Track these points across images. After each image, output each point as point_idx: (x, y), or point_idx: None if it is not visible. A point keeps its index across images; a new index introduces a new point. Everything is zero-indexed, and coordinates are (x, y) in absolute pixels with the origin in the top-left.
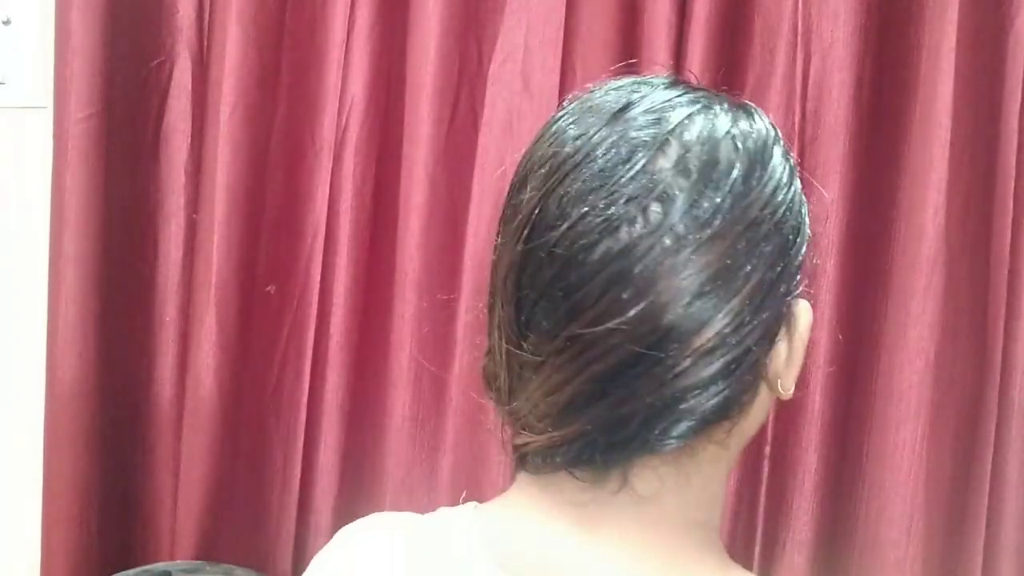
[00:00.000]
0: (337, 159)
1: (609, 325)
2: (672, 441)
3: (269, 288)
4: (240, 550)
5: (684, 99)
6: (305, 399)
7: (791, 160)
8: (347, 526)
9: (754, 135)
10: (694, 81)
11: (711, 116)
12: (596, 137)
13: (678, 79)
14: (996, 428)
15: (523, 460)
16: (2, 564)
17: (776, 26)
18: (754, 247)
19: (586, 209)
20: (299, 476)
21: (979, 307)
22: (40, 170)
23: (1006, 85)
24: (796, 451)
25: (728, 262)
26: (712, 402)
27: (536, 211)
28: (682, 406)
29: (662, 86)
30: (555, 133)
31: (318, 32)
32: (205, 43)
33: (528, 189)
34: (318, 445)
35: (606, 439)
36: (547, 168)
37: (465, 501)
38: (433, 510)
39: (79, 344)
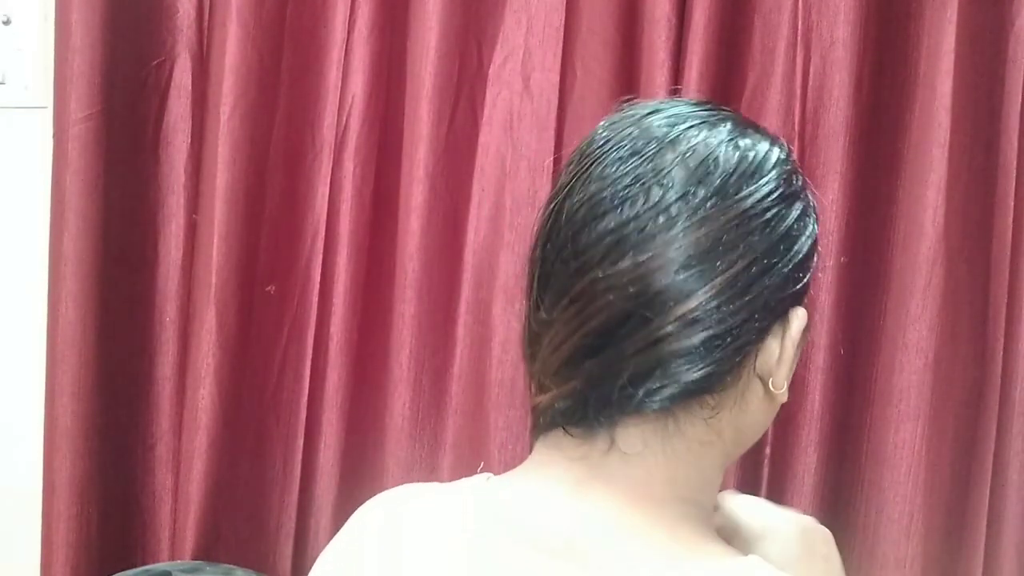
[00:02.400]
0: (337, 159)
1: (604, 284)
2: (655, 403)
3: (269, 288)
4: (240, 550)
5: (701, 113)
6: (305, 399)
7: (797, 183)
8: (378, 495)
9: (754, 150)
10: (730, 107)
11: (718, 127)
12: (622, 134)
13: (708, 101)
14: (996, 428)
15: (536, 423)
16: (2, 564)
17: (776, 26)
18: (740, 240)
19: (600, 186)
20: (299, 476)
21: (979, 307)
22: (40, 170)
23: (1006, 85)
24: (796, 451)
25: (712, 245)
26: (695, 374)
27: (564, 187)
28: (665, 370)
29: (688, 103)
30: (593, 131)
31: (318, 32)
32: (205, 43)
33: (564, 173)
34: (318, 445)
35: (596, 395)
36: (579, 155)
37: (482, 471)
38: None
39: (79, 344)
